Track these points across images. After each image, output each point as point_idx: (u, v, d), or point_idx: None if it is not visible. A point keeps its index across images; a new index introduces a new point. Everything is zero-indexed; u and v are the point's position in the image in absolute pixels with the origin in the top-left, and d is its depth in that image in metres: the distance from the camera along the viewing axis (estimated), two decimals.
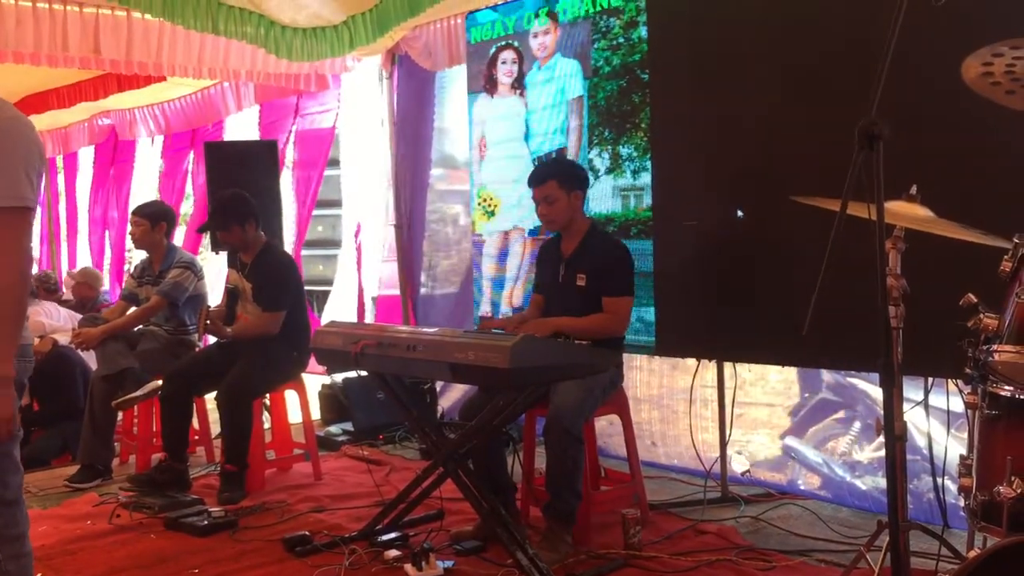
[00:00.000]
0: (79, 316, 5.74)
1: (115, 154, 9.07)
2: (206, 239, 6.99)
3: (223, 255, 5.29)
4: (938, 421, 3.24)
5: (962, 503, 2.24)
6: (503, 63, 4.79)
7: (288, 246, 6.13)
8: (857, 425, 3.83)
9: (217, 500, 4.14)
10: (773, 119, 3.53)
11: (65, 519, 3.99)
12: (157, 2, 4.65)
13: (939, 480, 3.20)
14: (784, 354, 3.61)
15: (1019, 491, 1.99)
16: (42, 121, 7.80)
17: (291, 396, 4.77)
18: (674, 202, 3.95)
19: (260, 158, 5.66)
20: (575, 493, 3.35)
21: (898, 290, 2.47)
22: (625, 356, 3.87)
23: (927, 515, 3.37)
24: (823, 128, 3.24)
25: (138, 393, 4.56)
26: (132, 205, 6.88)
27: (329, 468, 4.73)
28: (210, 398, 4.58)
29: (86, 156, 9.70)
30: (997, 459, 2.06)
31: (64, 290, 7.85)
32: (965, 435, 2.60)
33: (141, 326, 4.89)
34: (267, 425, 4.83)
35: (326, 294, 7.99)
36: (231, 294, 4.54)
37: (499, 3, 4.83)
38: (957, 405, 2.89)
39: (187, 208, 8.88)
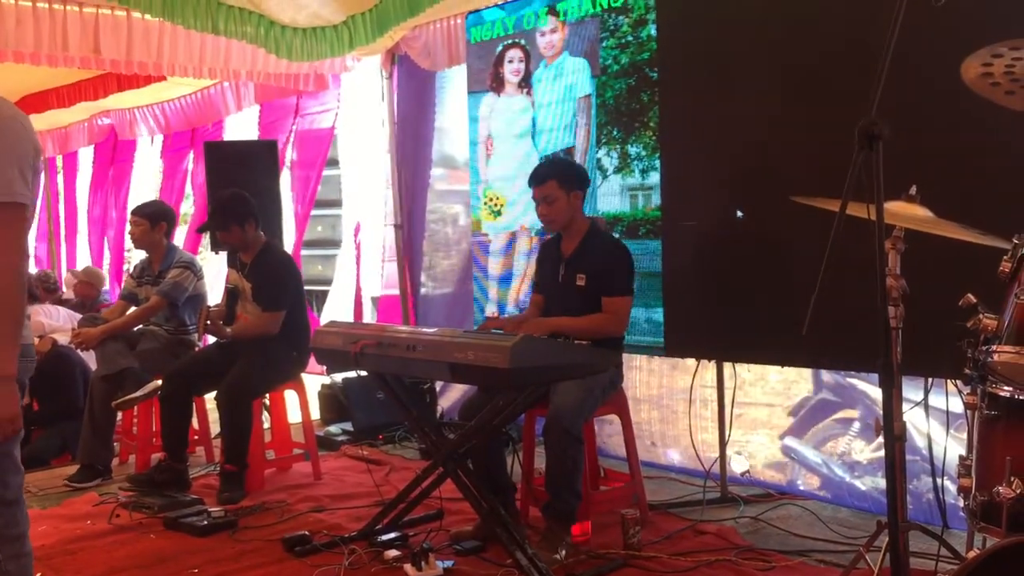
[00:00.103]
0: (79, 316, 5.74)
1: (115, 154, 9.07)
2: (206, 239, 6.99)
3: (223, 255, 5.29)
4: (937, 421, 3.24)
5: (961, 503, 2.24)
6: (510, 61, 4.77)
7: (288, 246, 6.12)
8: (856, 425, 3.84)
9: (217, 500, 4.14)
10: (774, 119, 3.52)
11: (65, 519, 4.00)
12: (157, 2, 4.65)
13: (938, 480, 3.20)
14: (784, 354, 3.61)
15: (1018, 491, 1.99)
16: (42, 121, 7.81)
17: (291, 396, 4.77)
18: (682, 202, 3.93)
19: (260, 158, 5.66)
20: (575, 493, 3.35)
21: (898, 290, 2.47)
22: (625, 356, 3.87)
23: (926, 515, 3.37)
24: (823, 128, 3.24)
25: (138, 393, 4.56)
26: (131, 205, 6.88)
27: (329, 468, 4.73)
28: (210, 398, 4.58)
29: (86, 156, 9.70)
30: (996, 459, 2.06)
31: (64, 289, 7.86)
32: (964, 435, 2.61)
33: (141, 326, 4.89)
34: (267, 425, 4.83)
35: (325, 294, 7.99)
36: (231, 294, 4.54)
37: (503, 1, 4.82)
38: (956, 405, 2.89)
39: (187, 208, 8.88)
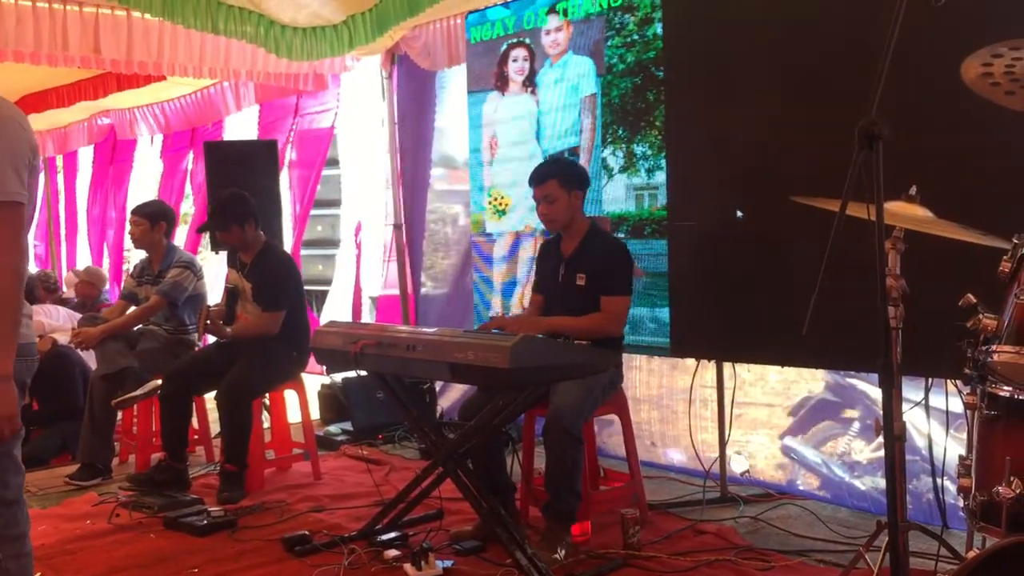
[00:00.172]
0: (79, 316, 5.74)
1: (114, 153, 9.07)
2: (206, 239, 6.99)
3: (223, 255, 5.29)
4: (937, 421, 3.23)
5: (961, 503, 2.24)
6: (514, 61, 4.75)
7: (287, 246, 6.13)
8: (856, 425, 3.84)
9: (216, 500, 4.14)
10: (774, 119, 3.52)
11: (65, 519, 4.00)
12: (157, 2, 4.65)
13: (938, 480, 3.19)
14: (784, 354, 3.61)
15: (1018, 491, 1.99)
16: (41, 120, 7.81)
17: (290, 396, 4.77)
18: (689, 201, 3.92)
19: (260, 158, 5.66)
20: (574, 493, 3.35)
21: (897, 290, 2.47)
22: (625, 356, 3.87)
23: (926, 515, 3.37)
24: (823, 128, 3.24)
25: (138, 392, 4.56)
26: (131, 204, 6.88)
27: (328, 468, 4.73)
28: (209, 398, 4.58)
29: (85, 155, 9.70)
30: (996, 459, 2.06)
31: (65, 289, 7.85)
32: (964, 435, 2.61)
33: (141, 326, 4.89)
34: (266, 425, 4.83)
35: (325, 294, 7.99)
36: (231, 294, 4.54)
37: (502, 1, 4.82)
38: (956, 405, 2.89)
39: (187, 208, 8.88)
